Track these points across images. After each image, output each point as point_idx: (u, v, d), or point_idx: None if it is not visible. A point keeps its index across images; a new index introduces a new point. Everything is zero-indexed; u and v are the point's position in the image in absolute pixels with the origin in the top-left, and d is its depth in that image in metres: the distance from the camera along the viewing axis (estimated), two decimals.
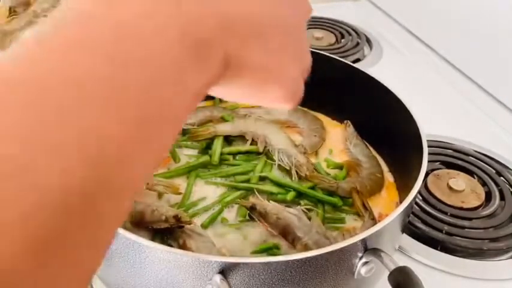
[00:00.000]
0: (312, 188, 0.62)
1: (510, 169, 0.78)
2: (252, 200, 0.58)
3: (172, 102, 0.22)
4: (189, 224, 0.53)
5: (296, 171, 0.64)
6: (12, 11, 0.69)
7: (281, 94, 0.30)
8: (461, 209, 0.69)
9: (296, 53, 0.31)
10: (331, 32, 1.14)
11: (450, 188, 0.71)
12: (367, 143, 0.71)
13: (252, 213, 0.56)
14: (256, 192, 0.60)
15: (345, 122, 0.73)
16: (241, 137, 0.69)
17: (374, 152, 0.70)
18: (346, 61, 0.71)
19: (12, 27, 0.65)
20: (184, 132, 0.70)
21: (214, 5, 0.24)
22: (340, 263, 0.43)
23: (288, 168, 0.64)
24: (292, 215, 0.55)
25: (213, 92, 0.27)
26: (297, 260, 0.41)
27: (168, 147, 0.24)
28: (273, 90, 0.29)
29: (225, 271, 0.41)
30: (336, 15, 1.21)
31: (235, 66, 0.26)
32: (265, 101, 0.31)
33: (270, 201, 0.58)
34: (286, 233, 0.54)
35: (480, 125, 0.89)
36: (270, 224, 0.55)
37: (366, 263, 0.44)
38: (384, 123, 0.67)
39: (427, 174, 0.73)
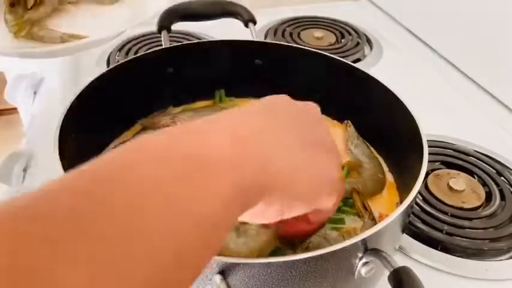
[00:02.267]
0: None
1: (510, 169, 0.77)
2: None
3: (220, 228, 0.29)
4: None
5: None
6: None
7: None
8: (461, 209, 0.69)
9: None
10: (332, 31, 1.14)
11: (450, 188, 0.71)
12: (367, 143, 0.71)
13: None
14: None
15: (345, 122, 0.73)
16: None
17: (374, 152, 0.70)
18: (346, 61, 0.71)
19: (39, 15, 0.65)
20: None
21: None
22: (340, 263, 0.43)
23: None
24: None
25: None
26: (297, 260, 0.41)
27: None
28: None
29: (225, 271, 0.41)
30: (336, 15, 1.21)
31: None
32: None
33: None
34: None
35: (480, 124, 0.89)
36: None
37: (366, 263, 0.44)
38: (384, 123, 0.67)
39: (427, 174, 0.73)
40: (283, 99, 0.42)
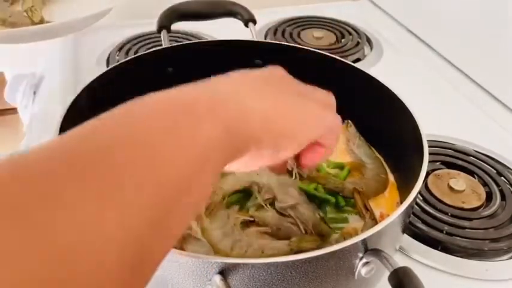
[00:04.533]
0: (313, 188, 0.62)
1: (511, 169, 0.77)
2: (250, 212, 0.58)
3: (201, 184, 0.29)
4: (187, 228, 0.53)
5: (298, 171, 0.64)
6: None
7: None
8: (461, 209, 0.69)
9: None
10: (332, 31, 1.14)
11: (451, 188, 0.71)
12: (368, 144, 0.71)
13: (251, 226, 0.56)
14: (257, 195, 0.60)
15: (346, 122, 0.73)
16: None
17: (375, 152, 0.70)
18: (346, 61, 0.71)
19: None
20: None
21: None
22: (340, 264, 0.43)
23: (289, 168, 0.64)
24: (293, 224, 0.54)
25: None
26: (297, 261, 0.41)
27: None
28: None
29: (224, 271, 0.41)
30: (336, 14, 1.21)
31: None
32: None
33: (268, 205, 0.58)
34: None
35: (480, 124, 0.89)
36: (271, 235, 0.55)
37: (366, 263, 0.44)
38: (384, 123, 0.67)
39: (427, 175, 0.72)
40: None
